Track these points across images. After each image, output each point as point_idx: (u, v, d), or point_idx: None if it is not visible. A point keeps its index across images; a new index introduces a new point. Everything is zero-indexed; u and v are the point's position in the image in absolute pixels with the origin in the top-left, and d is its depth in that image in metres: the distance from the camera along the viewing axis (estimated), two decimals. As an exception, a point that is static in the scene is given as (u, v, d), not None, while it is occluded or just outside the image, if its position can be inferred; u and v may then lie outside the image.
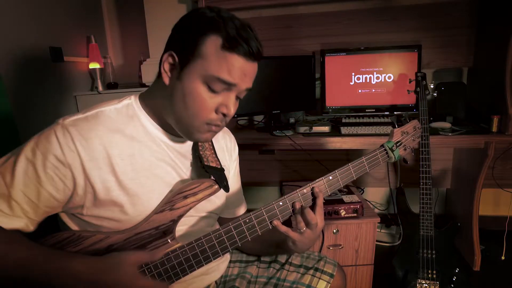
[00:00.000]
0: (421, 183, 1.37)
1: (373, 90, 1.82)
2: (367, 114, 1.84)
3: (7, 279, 0.61)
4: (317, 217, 0.73)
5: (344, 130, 1.66)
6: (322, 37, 1.97)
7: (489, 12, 1.72)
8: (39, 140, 0.65)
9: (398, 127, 0.88)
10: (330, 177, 0.77)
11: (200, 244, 0.70)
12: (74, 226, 0.72)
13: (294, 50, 2.01)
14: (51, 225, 0.72)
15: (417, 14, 1.86)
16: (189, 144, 0.80)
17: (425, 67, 1.88)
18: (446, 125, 1.66)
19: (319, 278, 0.90)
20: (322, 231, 1.45)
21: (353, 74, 1.81)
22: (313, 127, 1.71)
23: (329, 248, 1.49)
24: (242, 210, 0.98)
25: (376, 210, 2.17)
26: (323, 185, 0.76)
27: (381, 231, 2.07)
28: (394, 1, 1.88)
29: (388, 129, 1.61)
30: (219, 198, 0.84)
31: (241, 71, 0.66)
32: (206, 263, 0.71)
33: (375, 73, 1.80)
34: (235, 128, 1.99)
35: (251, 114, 1.99)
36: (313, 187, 0.75)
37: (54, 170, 0.64)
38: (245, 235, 0.72)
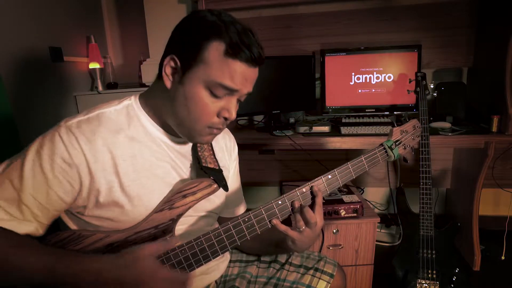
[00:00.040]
0: (421, 183, 1.37)
1: (373, 90, 1.82)
2: (367, 114, 1.84)
3: (31, 285, 0.61)
4: (316, 216, 0.73)
5: (344, 130, 1.66)
6: (322, 37, 1.97)
7: (489, 12, 1.72)
8: (44, 142, 0.65)
9: (397, 126, 0.88)
10: (329, 176, 0.77)
11: (199, 243, 0.70)
12: (73, 226, 0.72)
13: (294, 50, 2.01)
14: (51, 224, 0.72)
15: (417, 14, 1.86)
16: (189, 144, 0.80)
17: (425, 67, 1.88)
18: (446, 125, 1.66)
19: (319, 278, 0.90)
20: (322, 231, 1.45)
21: (353, 74, 1.81)
22: (313, 127, 1.71)
23: (329, 248, 1.49)
24: (241, 209, 0.98)
25: (376, 210, 2.17)
26: (322, 184, 0.77)
27: (381, 231, 2.06)
28: (394, 1, 1.88)
29: (388, 129, 1.61)
30: (218, 197, 0.84)
31: (243, 76, 0.66)
32: (205, 262, 0.71)
33: (375, 73, 1.80)
34: (235, 128, 1.99)
35: (251, 114, 1.99)
36: (312, 186, 0.75)
37: (61, 173, 0.64)
38: (244, 234, 0.72)
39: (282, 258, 0.96)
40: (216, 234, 0.71)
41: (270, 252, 0.96)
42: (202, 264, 0.71)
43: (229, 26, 0.64)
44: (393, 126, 0.89)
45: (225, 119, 0.70)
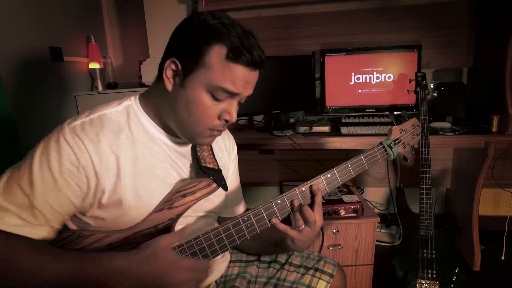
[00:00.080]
0: (421, 183, 1.37)
1: (373, 90, 1.82)
2: (367, 114, 1.84)
3: None
4: (316, 215, 0.73)
5: (344, 130, 1.66)
6: (322, 37, 1.97)
7: (489, 12, 1.72)
8: (49, 146, 0.64)
9: (396, 125, 0.88)
10: (329, 175, 0.77)
11: (198, 243, 0.70)
12: (73, 226, 0.72)
13: (294, 50, 2.01)
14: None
15: (417, 14, 1.86)
16: (189, 144, 0.80)
17: (425, 67, 1.88)
18: (446, 125, 1.66)
19: (319, 278, 0.90)
20: (322, 231, 1.45)
21: (353, 74, 1.81)
22: (313, 127, 1.71)
23: (329, 248, 1.49)
24: (241, 209, 0.98)
25: (376, 210, 2.17)
26: (322, 183, 0.77)
27: (381, 231, 2.06)
28: (394, 1, 1.88)
29: (388, 129, 1.61)
30: (217, 197, 0.84)
31: (244, 80, 0.67)
32: (205, 262, 0.71)
33: (375, 73, 1.80)
34: (235, 128, 1.99)
35: (251, 114, 1.99)
36: (311, 185, 0.75)
37: (70, 175, 0.64)
38: (243, 234, 0.72)
39: (282, 258, 0.96)
40: (216, 233, 0.71)
41: (270, 251, 0.96)
42: (202, 264, 0.71)
43: (231, 30, 0.64)
44: (393, 125, 0.89)
45: (226, 121, 0.71)
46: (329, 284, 0.89)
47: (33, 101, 1.61)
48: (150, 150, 0.72)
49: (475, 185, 1.63)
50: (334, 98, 1.85)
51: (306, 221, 0.73)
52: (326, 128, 1.71)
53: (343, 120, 1.81)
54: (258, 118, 2.08)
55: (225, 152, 0.90)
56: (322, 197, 0.76)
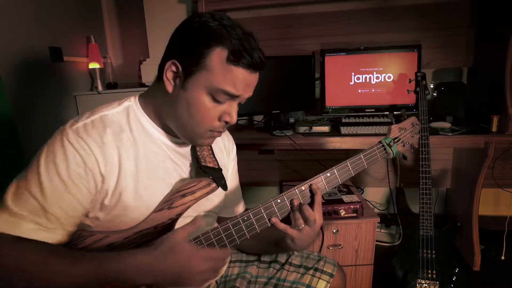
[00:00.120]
0: (421, 183, 1.37)
1: (373, 90, 1.82)
2: (367, 114, 1.84)
3: None
4: (316, 214, 0.73)
5: (344, 130, 1.66)
6: (322, 37, 1.97)
7: (489, 12, 1.72)
8: (54, 150, 0.64)
9: (395, 124, 0.88)
10: (328, 174, 0.77)
11: (198, 243, 0.70)
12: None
13: (294, 50, 2.01)
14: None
15: (417, 14, 1.86)
16: (189, 145, 0.80)
17: (425, 67, 1.88)
18: (446, 125, 1.66)
19: (319, 278, 0.90)
20: (322, 231, 1.45)
21: (353, 74, 1.81)
22: (313, 127, 1.71)
23: (329, 248, 1.49)
24: (240, 209, 0.98)
25: (376, 210, 2.17)
26: (321, 182, 0.77)
27: (381, 231, 2.06)
28: (394, 1, 1.88)
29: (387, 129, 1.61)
30: (217, 197, 0.84)
31: (244, 82, 0.67)
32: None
33: (375, 73, 1.80)
34: (235, 128, 1.99)
35: (251, 114, 1.99)
36: (311, 184, 0.75)
37: (78, 178, 0.64)
38: (243, 233, 0.72)
39: (282, 258, 0.96)
40: (216, 233, 0.71)
41: (270, 251, 0.96)
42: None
43: (231, 32, 0.64)
44: (392, 124, 0.89)
45: (226, 122, 0.71)
46: (329, 284, 0.89)
47: (33, 101, 1.61)
48: (150, 150, 0.72)
49: (475, 185, 1.63)
50: (334, 98, 1.85)
51: (306, 220, 0.73)
52: (326, 128, 1.71)
53: (343, 120, 1.81)
54: (258, 118, 2.08)
55: (225, 152, 0.91)
56: (322, 196, 0.76)
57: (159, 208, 0.70)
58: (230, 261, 0.97)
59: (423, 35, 1.86)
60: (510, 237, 1.82)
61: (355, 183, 2.09)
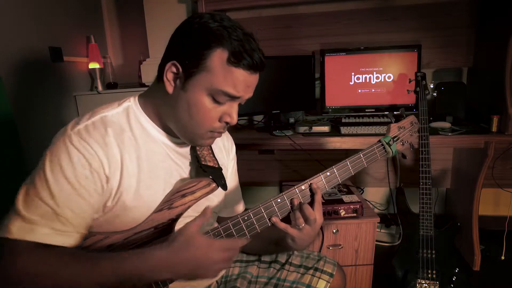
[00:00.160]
0: (421, 183, 1.37)
1: (373, 90, 1.82)
2: (367, 114, 1.84)
3: None
4: (316, 213, 0.73)
5: (344, 130, 1.66)
6: (322, 37, 1.97)
7: (489, 12, 1.72)
8: (58, 154, 0.63)
9: (394, 123, 0.88)
10: (328, 173, 0.78)
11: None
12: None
13: (294, 50, 2.01)
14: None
15: (417, 14, 1.86)
16: (188, 145, 0.80)
17: (425, 67, 1.88)
18: (446, 125, 1.66)
19: (319, 278, 0.90)
20: (322, 231, 1.45)
21: (352, 74, 1.81)
22: (313, 127, 1.71)
23: (329, 248, 1.49)
24: (240, 208, 0.99)
25: (376, 210, 2.17)
26: (321, 181, 0.77)
27: (381, 231, 2.06)
28: (394, 1, 1.88)
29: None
30: (217, 196, 0.84)
31: (245, 84, 0.67)
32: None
33: (375, 73, 1.80)
34: (235, 128, 1.99)
35: (251, 114, 1.99)
36: (311, 184, 0.75)
37: (85, 180, 0.64)
38: (244, 233, 0.72)
39: (282, 258, 0.96)
40: (216, 233, 0.71)
41: (270, 251, 0.96)
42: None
43: (231, 33, 0.64)
44: (391, 123, 0.89)
45: (226, 123, 0.71)
46: (329, 284, 0.89)
47: (33, 101, 1.61)
48: (151, 150, 0.72)
49: (475, 185, 1.63)
50: (334, 98, 1.85)
51: (306, 220, 0.73)
52: (326, 128, 1.71)
53: (343, 120, 1.81)
54: (258, 118, 2.08)
55: (224, 151, 0.91)
56: (322, 196, 0.76)
57: (159, 209, 0.70)
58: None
59: (423, 35, 1.87)
60: (510, 237, 1.82)
61: (355, 183, 2.08)
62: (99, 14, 2.18)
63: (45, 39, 1.69)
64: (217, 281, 0.92)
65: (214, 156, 0.83)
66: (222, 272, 0.93)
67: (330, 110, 1.87)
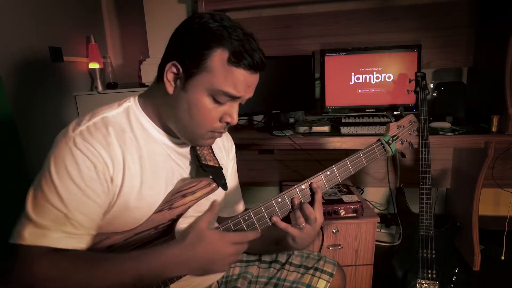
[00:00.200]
0: (421, 183, 1.37)
1: (373, 90, 1.82)
2: (367, 114, 1.84)
3: None
4: (316, 212, 0.74)
5: (343, 130, 1.66)
6: (322, 37, 1.98)
7: (489, 12, 1.72)
8: (63, 157, 0.63)
9: (394, 122, 0.88)
10: (328, 173, 0.78)
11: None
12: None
13: (294, 50, 2.01)
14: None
15: (417, 14, 1.86)
16: (188, 145, 0.80)
17: (425, 67, 1.88)
18: (446, 125, 1.66)
19: (319, 278, 0.90)
20: (322, 231, 1.45)
21: (352, 74, 1.81)
22: (313, 127, 1.71)
23: (329, 248, 1.49)
24: (240, 208, 0.98)
25: (376, 210, 2.17)
26: (321, 180, 0.77)
27: (381, 231, 2.06)
28: (394, 1, 1.88)
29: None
30: (217, 196, 0.84)
31: (245, 84, 0.67)
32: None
33: (375, 73, 1.80)
34: (235, 128, 1.99)
35: (251, 114, 1.99)
36: (311, 183, 0.76)
37: (91, 181, 0.64)
38: (244, 233, 0.72)
39: (283, 258, 0.97)
40: (216, 233, 0.71)
41: (271, 250, 0.96)
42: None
43: (231, 33, 0.64)
44: (391, 122, 0.90)
45: (227, 123, 0.71)
46: (329, 284, 0.89)
47: (33, 101, 1.61)
48: (152, 150, 0.72)
49: (475, 185, 1.63)
50: (334, 98, 1.85)
51: (306, 219, 0.73)
52: (326, 128, 1.71)
53: (343, 120, 1.81)
54: (258, 118, 2.08)
55: (224, 151, 0.91)
56: (322, 196, 0.76)
57: (159, 209, 0.70)
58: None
59: (423, 35, 1.87)
60: (510, 237, 1.82)
61: (355, 183, 2.09)
62: (99, 14, 2.18)
63: (45, 39, 1.69)
64: (217, 281, 0.92)
65: (214, 155, 0.83)
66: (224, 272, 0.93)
67: (330, 110, 1.87)
